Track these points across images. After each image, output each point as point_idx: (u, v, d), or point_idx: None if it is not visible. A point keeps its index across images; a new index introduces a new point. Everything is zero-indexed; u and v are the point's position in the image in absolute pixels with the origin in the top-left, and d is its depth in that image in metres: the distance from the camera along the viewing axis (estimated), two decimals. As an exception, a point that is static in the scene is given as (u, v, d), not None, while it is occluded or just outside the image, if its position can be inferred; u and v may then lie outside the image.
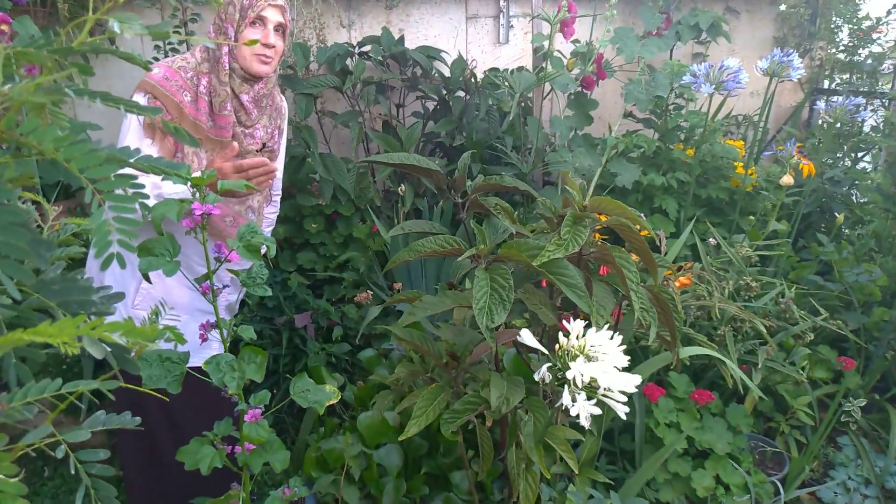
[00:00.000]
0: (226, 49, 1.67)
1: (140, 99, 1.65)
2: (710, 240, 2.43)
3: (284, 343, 2.49)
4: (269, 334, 2.57)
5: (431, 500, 1.58)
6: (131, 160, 0.70)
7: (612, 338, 0.99)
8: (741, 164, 2.71)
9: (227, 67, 1.67)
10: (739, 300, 2.09)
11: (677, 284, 1.52)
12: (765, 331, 1.94)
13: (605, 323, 1.16)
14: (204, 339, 1.10)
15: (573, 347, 0.98)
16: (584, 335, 1.02)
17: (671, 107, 2.89)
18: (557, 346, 1.00)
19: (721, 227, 2.69)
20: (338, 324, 2.54)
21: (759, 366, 1.98)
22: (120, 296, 0.76)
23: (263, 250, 1.80)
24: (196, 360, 1.89)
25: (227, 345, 1.10)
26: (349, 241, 2.90)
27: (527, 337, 1.00)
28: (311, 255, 2.88)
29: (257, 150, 1.82)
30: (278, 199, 2.10)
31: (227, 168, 1.57)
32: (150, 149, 1.64)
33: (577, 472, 1.20)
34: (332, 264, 2.88)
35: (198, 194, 0.96)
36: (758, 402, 2.15)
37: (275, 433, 1.12)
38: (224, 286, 1.15)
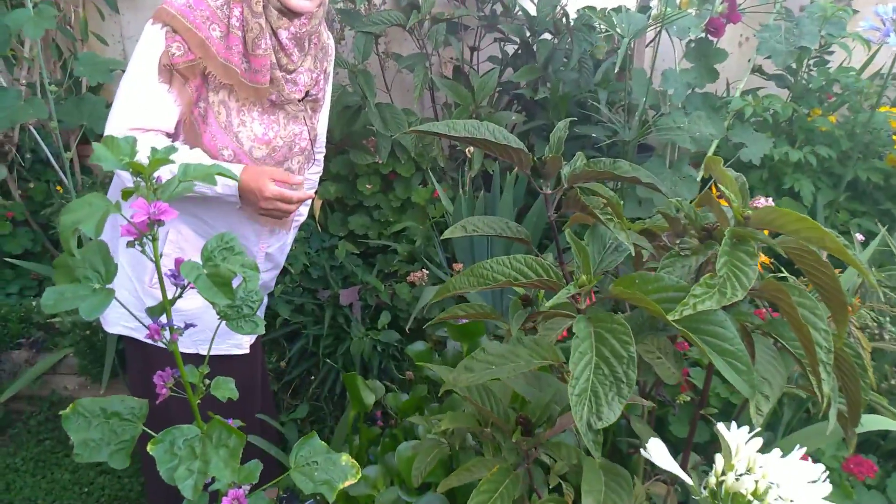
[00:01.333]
0: None
1: (156, 33, 1.29)
2: (858, 235, 1.92)
3: (326, 322, 2.17)
4: (311, 309, 2.25)
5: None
6: None
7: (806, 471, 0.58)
8: (901, 138, 2.15)
9: None
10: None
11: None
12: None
13: (762, 414, 0.74)
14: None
15: (738, 483, 0.58)
16: (743, 453, 0.61)
17: (811, 62, 2.32)
18: (706, 481, 0.60)
19: (867, 218, 2.15)
20: (387, 305, 2.19)
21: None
22: None
23: (265, 264, 1.44)
24: (222, 347, 1.60)
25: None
26: (407, 205, 2.53)
27: (657, 453, 0.61)
28: (364, 218, 2.53)
29: (300, 100, 1.45)
30: (321, 157, 1.73)
31: (268, 192, 1.29)
32: (165, 98, 1.29)
33: None
34: (387, 231, 2.52)
35: (144, 185, 0.59)
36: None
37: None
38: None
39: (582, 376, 0.66)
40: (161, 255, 1.46)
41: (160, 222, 0.58)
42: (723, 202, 0.95)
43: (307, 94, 1.47)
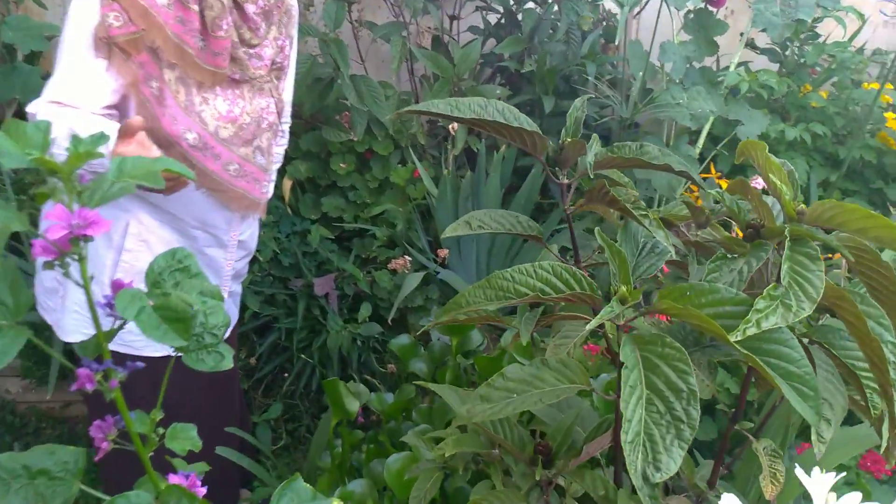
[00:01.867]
0: None
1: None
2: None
3: (300, 314, 2.02)
4: (282, 300, 2.10)
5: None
6: None
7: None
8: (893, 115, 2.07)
9: None
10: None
11: None
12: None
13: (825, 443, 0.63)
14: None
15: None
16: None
17: (803, 36, 2.22)
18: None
19: (859, 197, 2.07)
20: (366, 294, 2.05)
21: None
22: None
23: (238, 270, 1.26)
24: None
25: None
26: (385, 186, 2.37)
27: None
28: (339, 200, 2.37)
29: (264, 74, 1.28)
30: (287, 127, 1.55)
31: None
32: (102, 76, 1.11)
33: None
34: (364, 214, 2.36)
35: (61, 187, 0.44)
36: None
37: None
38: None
39: (634, 417, 0.53)
40: (124, 251, 1.28)
41: (87, 237, 0.44)
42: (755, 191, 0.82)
43: (272, 63, 1.30)
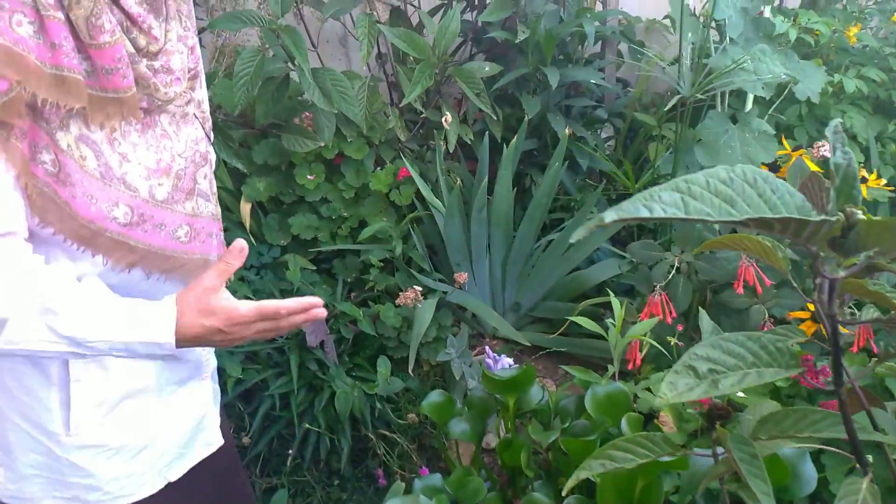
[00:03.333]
0: None
1: None
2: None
3: (294, 373, 1.65)
4: (267, 357, 1.72)
5: None
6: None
7: None
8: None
9: None
10: None
11: None
12: None
13: None
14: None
15: None
16: None
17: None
18: None
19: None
20: (367, 336, 1.70)
21: None
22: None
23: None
24: (192, 457, 1.06)
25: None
26: (362, 195, 1.99)
27: None
28: (309, 217, 1.98)
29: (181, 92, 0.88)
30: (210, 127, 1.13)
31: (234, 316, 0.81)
32: None
33: None
34: (343, 230, 1.99)
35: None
36: None
37: None
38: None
39: None
40: (72, 383, 0.88)
41: None
42: None
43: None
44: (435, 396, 1.41)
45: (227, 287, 0.82)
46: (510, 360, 1.44)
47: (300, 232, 1.97)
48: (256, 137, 1.96)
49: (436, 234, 1.88)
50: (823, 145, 1.49)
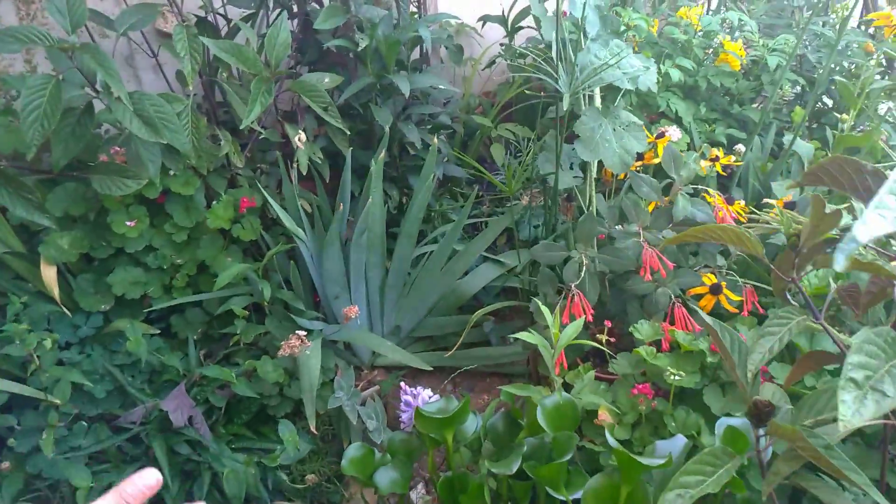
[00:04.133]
0: None
1: None
2: (739, 146, 1.81)
3: (164, 462, 1.35)
4: (118, 451, 1.38)
5: None
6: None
7: None
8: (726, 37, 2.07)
9: None
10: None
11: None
12: None
13: None
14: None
15: None
16: None
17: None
18: None
19: (719, 125, 2.04)
20: (244, 399, 1.46)
21: None
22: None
23: None
24: None
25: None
26: (195, 235, 1.71)
27: None
28: (133, 271, 1.65)
29: None
30: None
31: None
32: None
33: None
34: (179, 282, 1.69)
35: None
36: None
37: None
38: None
39: None
40: None
41: None
42: None
43: None
44: (353, 451, 1.25)
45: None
46: (429, 392, 1.31)
47: (125, 291, 1.62)
48: (46, 184, 1.58)
49: (326, 267, 1.66)
50: (667, 130, 1.61)
